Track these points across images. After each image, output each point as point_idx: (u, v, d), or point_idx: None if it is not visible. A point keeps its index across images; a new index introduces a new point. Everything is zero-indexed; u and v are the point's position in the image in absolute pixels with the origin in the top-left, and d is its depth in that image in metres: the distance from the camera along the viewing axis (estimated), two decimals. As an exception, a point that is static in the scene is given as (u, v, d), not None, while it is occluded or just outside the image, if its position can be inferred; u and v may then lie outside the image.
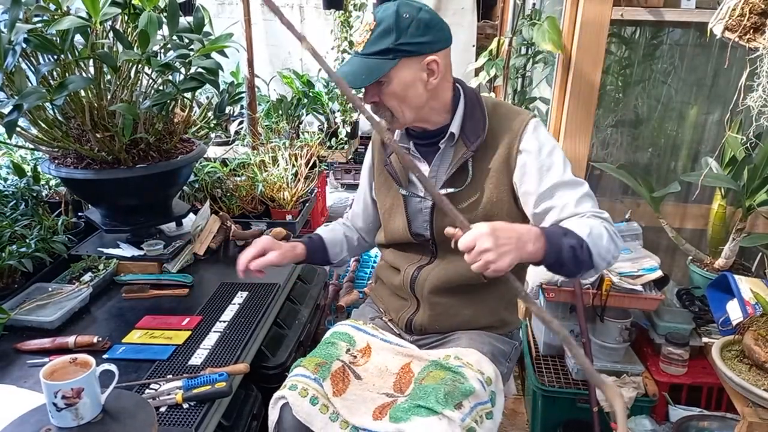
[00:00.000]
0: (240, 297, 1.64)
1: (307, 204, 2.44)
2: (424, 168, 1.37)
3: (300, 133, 3.31)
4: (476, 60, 3.32)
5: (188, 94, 1.83)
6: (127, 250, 1.80)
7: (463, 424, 1.12)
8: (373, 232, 1.58)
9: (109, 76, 1.62)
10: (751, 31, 1.40)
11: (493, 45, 3.01)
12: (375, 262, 2.72)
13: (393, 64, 1.20)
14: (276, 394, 1.26)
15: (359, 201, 1.59)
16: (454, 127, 1.30)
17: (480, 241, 0.99)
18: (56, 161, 1.67)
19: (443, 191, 1.32)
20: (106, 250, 1.80)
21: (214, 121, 2.09)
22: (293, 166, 2.47)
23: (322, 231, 1.57)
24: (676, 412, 1.86)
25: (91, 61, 1.58)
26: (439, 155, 1.34)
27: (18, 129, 1.47)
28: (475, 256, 1.00)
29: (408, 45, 1.19)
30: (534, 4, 2.62)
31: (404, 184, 1.40)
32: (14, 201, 1.84)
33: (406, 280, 1.41)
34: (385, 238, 1.48)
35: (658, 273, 1.86)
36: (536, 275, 1.91)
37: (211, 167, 2.35)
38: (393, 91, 1.23)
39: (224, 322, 1.51)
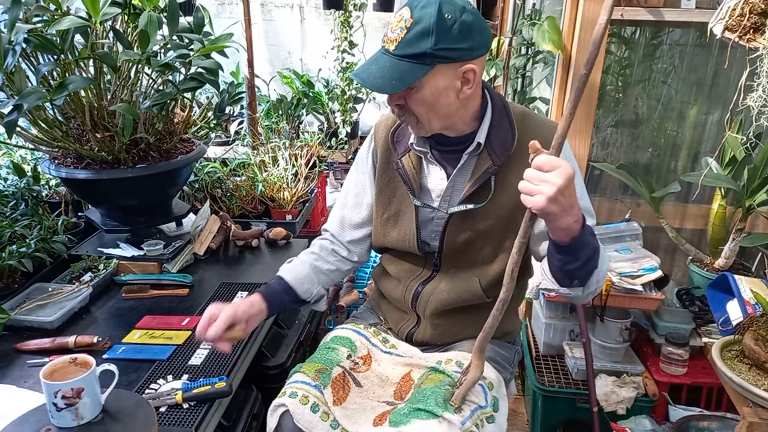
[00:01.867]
0: (240, 297, 1.64)
1: (307, 204, 2.44)
2: (442, 177, 1.28)
3: (300, 133, 3.31)
4: (476, 60, 3.32)
5: (188, 94, 1.83)
6: (127, 250, 1.80)
7: (463, 427, 1.10)
8: (366, 242, 1.45)
9: (109, 76, 1.62)
10: (751, 31, 1.40)
11: (493, 45, 3.01)
12: (375, 262, 2.71)
13: (427, 70, 1.09)
14: (275, 401, 1.21)
15: (355, 206, 1.41)
16: (481, 137, 1.21)
17: (555, 174, 0.93)
18: (56, 161, 1.67)
19: (462, 207, 1.24)
20: (106, 250, 1.80)
21: (214, 121, 2.09)
22: (293, 166, 2.47)
23: (283, 270, 1.38)
24: (676, 412, 1.86)
25: (91, 61, 1.58)
26: (461, 165, 1.25)
27: (18, 129, 1.47)
28: (537, 180, 0.94)
29: (447, 51, 1.07)
30: (534, 4, 2.62)
31: (417, 193, 1.29)
32: (14, 201, 1.84)
33: (408, 297, 1.37)
34: (384, 244, 1.39)
35: (658, 273, 1.87)
36: (536, 276, 1.91)
37: (211, 167, 2.35)
38: (423, 98, 1.13)
39: (224, 322, 1.50)
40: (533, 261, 1.37)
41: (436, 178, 1.30)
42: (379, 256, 1.49)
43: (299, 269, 1.38)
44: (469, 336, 1.36)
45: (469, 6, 1.10)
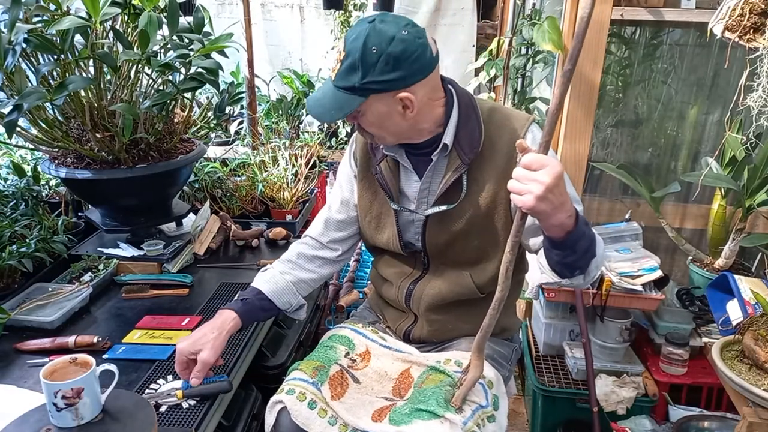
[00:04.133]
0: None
1: (307, 204, 2.44)
2: (416, 179, 1.29)
3: (300, 133, 3.31)
4: (476, 60, 3.32)
5: (188, 94, 1.83)
6: (127, 250, 1.80)
7: (465, 427, 1.11)
8: (354, 241, 1.45)
9: (109, 76, 1.62)
10: (751, 31, 1.40)
11: (493, 45, 3.01)
12: (375, 262, 2.71)
13: (362, 101, 1.12)
14: (273, 398, 1.23)
15: (340, 208, 1.41)
16: (447, 138, 1.21)
17: (543, 172, 0.92)
18: (56, 161, 1.67)
19: (435, 209, 1.26)
20: (106, 250, 1.80)
21: (214, 121, 2.09)
22: (293, 166, 2.47)
23: (259, 282, 1.36)
24: (676, 412, 1.86)
25: (91, 61, 1.58)
26: (432, 167, 1.26)
27: (18, 129, 1.47)
28: (525, 179, 0.94)
29: (375, 84, 1.09)
30: (534, 4, 2.62)
31: (396, 197, 1.31)
32: (14, 201, 1.84)
33: (401, 296, 1.38)
34: (375, 244, 1.40)
35: (658, 273, 1.87)
36: (536, 276, 1.91)
37: (211, 167, 2.35)
38: (369, 121, 1.17)
39: (224, 322, 1.50)
40: (528, 256, 1.37)
41: (411, 182, 1.31)
42: (372, 258, 1.51)
43: (278, 281, 1.36)
44: (465, 333, 1.37)
45: (404, 32, 1.08)
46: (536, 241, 1.22)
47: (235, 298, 1.35)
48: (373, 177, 1.33)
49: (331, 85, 1.14)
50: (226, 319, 1.26)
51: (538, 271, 1.23)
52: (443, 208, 1.25)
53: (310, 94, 3.52)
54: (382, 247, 1.40)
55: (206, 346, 1.20)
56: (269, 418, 1.23)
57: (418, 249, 1.34)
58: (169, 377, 1.27)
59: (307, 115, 3.63)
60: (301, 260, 1.41)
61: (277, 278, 1.36)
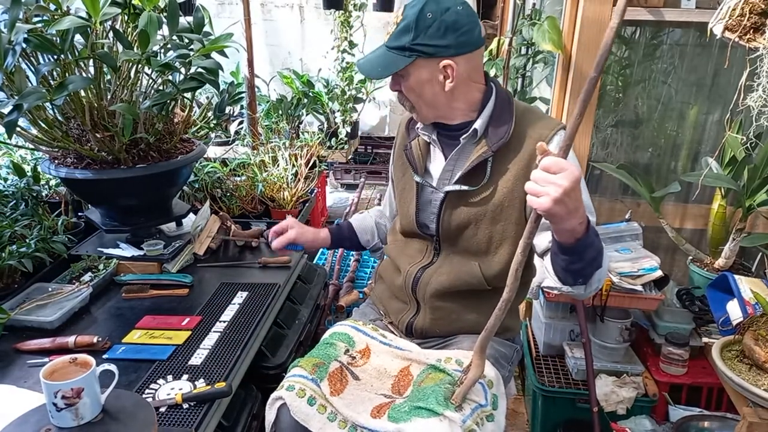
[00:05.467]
0: (240, 297, 1.64)
1: (307, 204, 2.44)
2: (440, 160, 1.36)
3: (300, 133, 3.31)
4: (476, 60, 3.32)
5: (188, 94, 1.83)
6: (127, 250, 1.80)
7: (464, 425, 1.11)
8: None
9: (109, 76, 1.62)
10: (751, 31, 1.40)
11: (493, 45, 3.01)
12: (375, 262, 2.71)
13: (408, 62, 1.20)
14: (273, 395, 1.25)
15: (390, 187, 1.59)
16: (478, 125, 1.28)
17: (561, 176, 0.94)
18: (56, 161, 1.67)
19: (457, 187, 1.31)
20: (106, 250, 1.80)
21: (214, 121, 2.09)
22: (293, 166, 2.47)
23: (354, 218, 1.66)
24: (676, 412, 1.86)
25: (91, 61, 1.58)
26: (458, 150, 1.32)
27: (18, 129, 1.47)
28: (543, 182, 0.95)
29: (423, 46, 1.18)
30: (534, 4, 2.62)
31: (420, 171, 1.38)
32: (14, 201, 1.84)
33: (408, 282, 1.40)
34: (399, 223, 1.48)
35: (658, 273, 1.86)
36: (539, 274, 1.91)
37: (211, 167, 2.35)
38: (410, 86, 1.25)
39: (224, 322, 1.51)
40: (536, 260, 1.38)
41: (438, 162, 1.38)
42: (382, 249, 1.61)
43: (366, 221, 1.65)
44: (468, 326, 1.38)
45: (458, 7, 1.19)
46: (541, 240, 1.23)
47: (334, 222, 1.69)
48: (404, 154, 1.42)
49: (383, 48, 1.25)
50: (321, 232, 1.59)
51: (544, 273, 1.24)
52: (464, 187, 1.31)
53: (312, 95, 3.55)
54: (400, 227, 1.47)
55: (304, 231, 1.55)
56: (269, 415, 1.25)
57: (431, 233, 1.38)
58: (169, 377, 1.27)
59: (307, 114, 3.63)
60: (382, 219, 1.67)
61: (366, 218, 1.66)
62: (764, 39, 1.38)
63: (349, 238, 1.62)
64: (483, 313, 1.28)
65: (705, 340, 1.87)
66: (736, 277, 1.63)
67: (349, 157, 3.93)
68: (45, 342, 1.36)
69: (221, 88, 1.89)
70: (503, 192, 1.28)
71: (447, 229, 1.35)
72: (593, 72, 0.91)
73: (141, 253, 1.78)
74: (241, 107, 2.99)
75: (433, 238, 1.39)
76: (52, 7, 1.41)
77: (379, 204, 1.81)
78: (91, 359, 1.04)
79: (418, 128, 1.37)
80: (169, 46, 1.59)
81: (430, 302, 1.38)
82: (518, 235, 1.09)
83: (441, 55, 1.19)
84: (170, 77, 1.63)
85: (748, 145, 1.89)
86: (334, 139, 3.50)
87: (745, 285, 1.59)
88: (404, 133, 1.45)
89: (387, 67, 1.22)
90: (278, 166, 2.45)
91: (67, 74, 1.50)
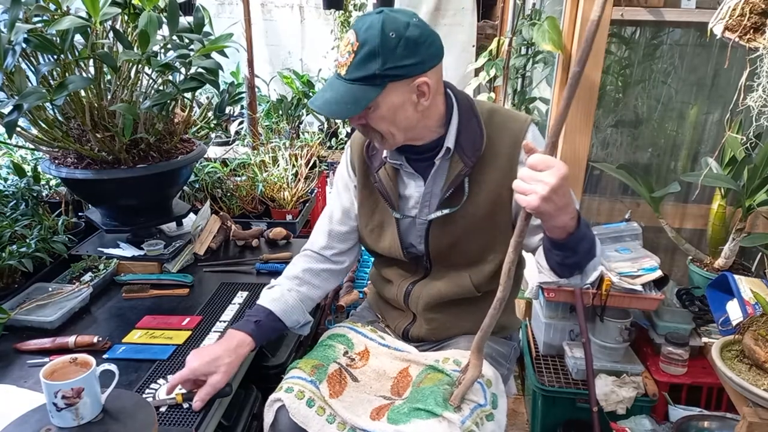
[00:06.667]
0: (240, 297, 1.64)
1: (307, 204, 2.44)
2: (419, 185, 1.29)
3: (300, 133, 3.31)
4: (476, 60, 3.33)
5: (188, 94, 1.83)
6: (127, 250, 1.80)
7: (463, 426, 1.11)
8: (354, 251, 1.46)
9: (109, 76, 1.62)
10: (751, 31, 1.40)
11: (493, 45, 3.01)
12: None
13: (379, 91, 1.10)
14: (271, 397, 1.23)
15: (344, 219, 1.40)
16: (450, 141, 1.21)
17: (549, 173, 0.93)
18: (56, 161, 1.67)
19: (439, 213, 1.25)
20: (106, 250, 1.80)
21: (214, 121, 2.09)
22: (293, 166, 2.47)
23: (269, 302, 1.32)
24: (676, 412, 1.86)
25: (91, 61, 1.58)
26: (434, 171, 1.26)
27: (18, 129, 1.47)
28: (531, 180, 0.94)
29: (396, 69, 1.08)
30: (534, 4, 2.62)
31: (396, 205, 1.30)
32: (14, 201, 1.84)
33: (400, 295, 1.39)
34: (376, 251, 1.40)
35: (658, 273, 1.86)
36: (536, 275, 1.92)
37: (212, 167, 2.35)
38: (381, 115, 1.14)
39: (224, 321, 1.51)
40: (525, 254, 1.39)
41: (413, 187, 1.31)
42: (373, 259, 1.51)
43: (287, 299, 1.33)
44: (463, 332, 1.38)
45: (414, 19, 1.10)
46: (534, 240, 1.23)
47: (245, 318, 1.31)
48: (373, 185, 1.33)
49: (340, 81, 1.11)
50: (241, 342, 1.24)
51: (537, 270, 1.24)
52: (446, 211, 1.25)
53: (312, 95, 3.55)
54: (382, 254, 1.40)
55: (220, 369, 1.18)
56: (268, 417, 1.24)
57: (420, 253, 1.34)
58: (169, 377, 1.27)
59: (307, 114, 3.63)
60: (308, 275, 1.39)
61: (285, 296, 1.34)
62: (764, 39, 1.38)
63: (272, 329, 1.31)
64: (478, 317, 1.21)
65: (705, 340, 1.88)
66: (736, 277, 1.63)
67: (349, 157, 3.92)
68: (45, 342, 1.36)
69: (221, 88, 1.89)
70: (487, 202, 1.24)
71: (437, 250, 1.32)
72: (576, 66, 0.90)
73: (141, 253, 1.78)
74: (242, 107, 2.99)
75: (423, 257, 1.35)
76: (52, 7, 1.41)
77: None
78: (92, 359, 1.04)
79: (385, 156, 1.28)
80: (169, 46, 1.59)
81: (423, 314, 1.37)
82: (510, 239, 1.06)
83: (414, 74, 1.10)
84: (170, 77, 1.63)
85: (748, 145, 1.89)
86: (334, 139, 3.50)
87: (745, 285, 1.59)
88: (365, 161, 1.33)
89: (357, 102, 1.09)
90: (278, 166, 2.46)
91: (67, 74, 1.50)
